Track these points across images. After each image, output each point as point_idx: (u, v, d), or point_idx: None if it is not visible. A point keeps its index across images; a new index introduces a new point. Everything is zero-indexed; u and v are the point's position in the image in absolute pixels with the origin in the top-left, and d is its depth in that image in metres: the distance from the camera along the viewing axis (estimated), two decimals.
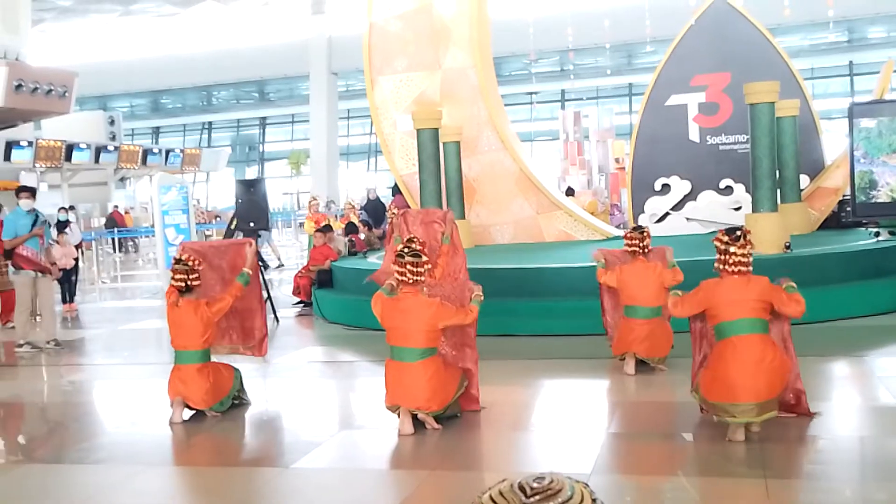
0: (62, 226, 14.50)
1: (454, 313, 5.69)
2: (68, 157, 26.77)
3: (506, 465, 5.17)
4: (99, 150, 28.19)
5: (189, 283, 6.30)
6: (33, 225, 9.48)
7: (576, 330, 8.52)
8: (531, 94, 35.47)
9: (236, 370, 6.64)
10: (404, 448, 5.55)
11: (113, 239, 23.46)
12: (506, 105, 15.06)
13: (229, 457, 5.61)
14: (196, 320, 6.22)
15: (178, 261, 6.31)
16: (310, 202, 17.00)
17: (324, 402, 7.20)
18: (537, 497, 1.31)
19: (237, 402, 6.54)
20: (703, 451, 5.26)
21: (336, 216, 25.95)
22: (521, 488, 1.32)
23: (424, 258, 5.70)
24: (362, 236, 14.25)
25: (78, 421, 6.87)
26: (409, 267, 5.62)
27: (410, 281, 5.64)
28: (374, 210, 17.30)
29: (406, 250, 5.66)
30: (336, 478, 5.10)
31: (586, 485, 1.36)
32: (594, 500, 1.33)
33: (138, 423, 6.56)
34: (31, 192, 9.82)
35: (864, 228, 11.74)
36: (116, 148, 29.38)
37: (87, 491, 5.03)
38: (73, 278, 13.52)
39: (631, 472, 4.97)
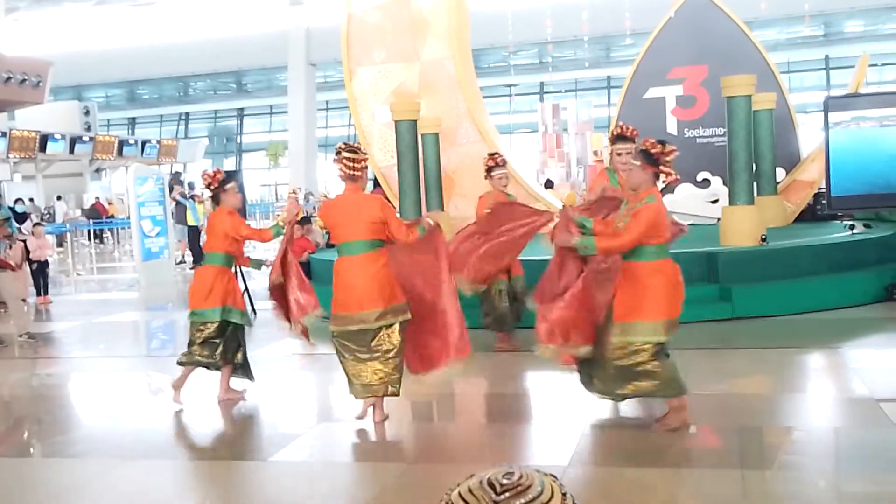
0: (21, 218, 14.37)
1: (398, 221, 5.65)
2: (42, 148, 26.48)
3: (484, 457, 5.18)
4: (74, 141, 27.90)
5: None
6: None
7: None
8: (510, 86, 35.48)
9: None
10: (383, 441, 5.54)
11: (89, 230, 23.23)
12: (484, 97, 15.03)
13: (207, 450, 5.58)
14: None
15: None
16: (289, 194, 16.93)
17: (302, 395, 7.18)
18: (507, 494, 1.29)
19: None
20: (679, 442, 5.28)
21: (314, 208, 25.86)
22: (491, 484, 1.31)
23: (363, 154, 5.63)
24: None
25: (52, 414, 6.81)
26: (345, 162, 5.56)
27: (349, 175, 5.58)
28: None
29: (343, 146, 5.65)
30: (314, 471, 5.09)
31: (555, 478, 1.35)
32: (564, 494, 1.32)
33: (114, 417, 6.50)
34: None
35: (839, 221, 11.85)
36: (92, 139, 29.08)
37: (62, 485, 4.99)
38: (47, 270, 13.38)
39: (607, 463, 4.99)
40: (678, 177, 5.42)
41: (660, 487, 4.53)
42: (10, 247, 9.82)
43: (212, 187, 6.48)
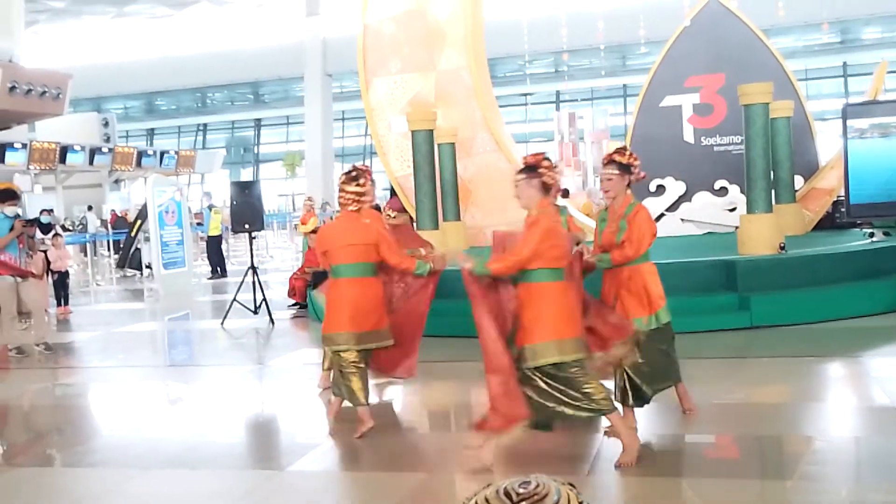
0: (46, 229, 14.43)
1: (395, 249, 5.83)
2: (62, 159, 26.73)
3: (503, 466, 5.17)
4: (93, 152, 28.15)
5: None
6: (12, 228, 9.34)
7: None
8: (526, 95, 35.49)
9: None
10: (400, 450, 5.54)
11: (108, 241, 23.40)
12: (500, 106, 15.06)
13: (225, 459, 5.60)
14: None
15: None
16: (305, 202, 17.00)
17: (319, 405, 7.19)
18: (524, 503, 1.29)
19: None
20: (698, 451, 5.26)
21: (331, 217, 25.92)
22: (507, 494, 1.31)
23: (364, 183, 5.77)
24: None
25: (72, 424, 6.85)
26: (350, 194, 5.74)
27: (353, 207, 5.76)
28: None
29: (353, 173, 5.78)
30: (331, 480, 5.09)
31: (572, 486, 1.34)
32: (581, 503, 1.32)
33: (133, 426, 6.54)
34: (16, 198, 9.70)
35: (858, 229, 11.77)
36: (111, 150, 29.33)
37: (82, 494, 5.02)
38: (67, 281, 13.47)
39: (627, 472, 4.96)
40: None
41: (679, 496, 4.51)
42: (31, 256, 9.80)
43: None
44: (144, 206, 18.22)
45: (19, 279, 9.45)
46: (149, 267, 18.06)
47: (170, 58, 37.81)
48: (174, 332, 12.04)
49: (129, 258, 19.44)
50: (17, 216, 9.47)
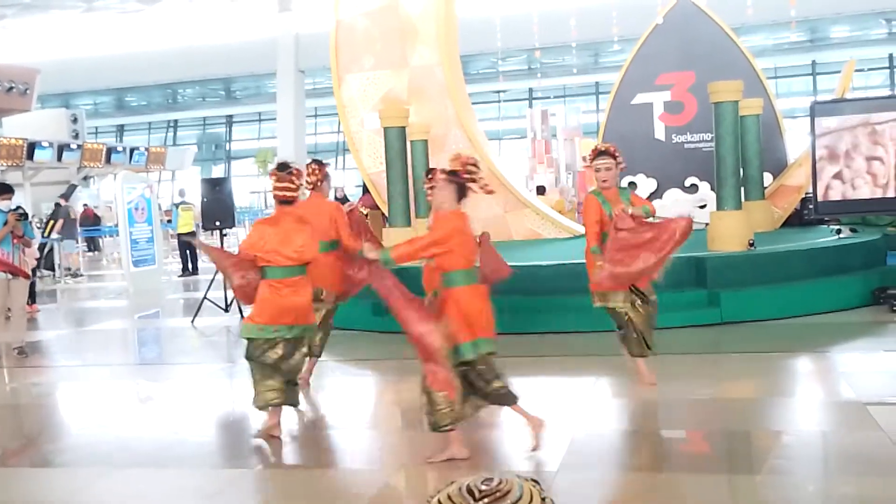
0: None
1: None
2: (30, 156, 26.31)
3: (474, 463, 5.18)
4: (62, 149, 27.73)
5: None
6: (5, 222, 9.14)
7: (560, 327, 8.57)
8: (499, 92, 35.51)
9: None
10: (373, 447, 5.54)
11: (84, 238, 23.15)
12: (473, 103, 15.07)
13: (195, 458, 5.56)
14: None
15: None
16: None
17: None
18: (486, 500, 1.29)
19: None
20: (668, 447, 5.30)
21: None
22: (470, 491, 1.31)
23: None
24: None
25: (40, 423, 6.78)
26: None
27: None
28: None
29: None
30: (302, 478, 5.08)
31: (535, 482, 1.35)
32: (543, 499, 1.32)
33: (103, 425, 6.48)
34: (11, 192, 9.53)
35: (825, 226, 11.91)
36: (80, 146, 28.92)
37: (53, 494, 4.97)
38: (34, 279, 13.29)
39: (596, 469, 4.99)
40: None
41: (648, 492, 4.54)
42: (24, 252, 9.55)
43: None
44: (58, 207, 18.16)
45: (10, 276, 9.25)
46: (69, 270, 18.02)
47: (140, 53, 37.40)
48: (144, 330, 11.93)
49: (42, 259, 19.23)
50: (10, 210, 9.29)
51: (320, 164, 7.09)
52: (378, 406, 7.05)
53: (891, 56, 33.83)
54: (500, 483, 1.31)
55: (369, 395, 7.25)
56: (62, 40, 38.49)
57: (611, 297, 6.27)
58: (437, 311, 4.87)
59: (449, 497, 1.31)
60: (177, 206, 18.14)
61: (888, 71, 34.29)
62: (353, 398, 6.94)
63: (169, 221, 20.70)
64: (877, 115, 10.08)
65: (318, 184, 6.94)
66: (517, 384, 7.13)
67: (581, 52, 30.44)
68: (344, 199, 18.23)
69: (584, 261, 6.50)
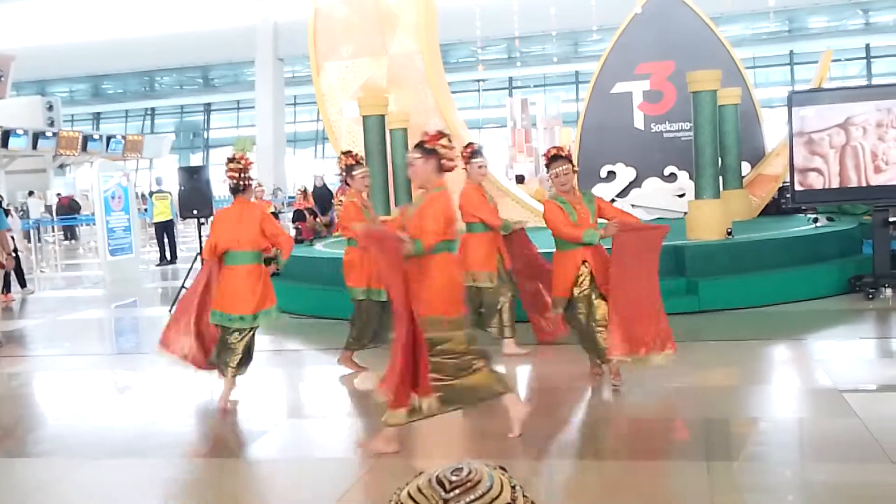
0: None
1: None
2: (4, 144, 26.08)
3: (453, 453, 5.19)
4: (37, 137, 27.49)
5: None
6: None
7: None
8: (478, 81, 35.45)
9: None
10: (351, 437, 5.52)
11: (60, 227, 22.92)
12: (453, 92, 15.03)
13: (174, 447, 5.53)
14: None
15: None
16: (256, 189, 16.80)
17: (270, 392, 7.14)
18: (457, 490, 1.28)
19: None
20: (645, 435, 5.33)
21: (283, 203, 25.70)
22: (440, 482, 1.29)
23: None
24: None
25: (16, 413, 6.71)
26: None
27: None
28: (321, 197, 17.12)
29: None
30: (283, 467, 5.07)
31: (504, 469, 1.34)
32: (513, 487, 1.31)
33: (80, 415, 6.43)
34: None
35: (802, 215, 11.99)
36: (55, 134, 28.68)
37: (28, 484, 4.92)
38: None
39: (574, 457, 5.01)
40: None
41: (626, 480, 4.56)
42: (2, 244, 9.41)
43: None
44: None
45: None
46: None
47: (117, 40, 37.00)
48: (121, 319, 11.84)
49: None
50: None
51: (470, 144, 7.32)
52: (356, 395, 7.04)
53: (867, 46, 34.09)
54: (469, 472, 1.29)
55: (347, 384, 7.23)
56: (37, 26, 37.98)
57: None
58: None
59: (419, 489, 1.30)
60: (151, 194, 18.00)
61: (864, 61, 34.55)
62: (331, 387, 6.92)
63: (146, 210, 20.55)
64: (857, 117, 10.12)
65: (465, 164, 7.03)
66: (512, 371, 7.16)
67: (561, 42, 30.45)
68: (324, 188, 18.14)
69: None
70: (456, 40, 28.53)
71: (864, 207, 11.29)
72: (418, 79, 12.82)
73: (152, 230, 19.42)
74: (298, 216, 14.78)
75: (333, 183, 21.70)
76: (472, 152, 7.14)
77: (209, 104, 44.15)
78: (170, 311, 10.81)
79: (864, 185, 9.23)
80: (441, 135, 4.96)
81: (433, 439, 5.59)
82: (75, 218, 25.25)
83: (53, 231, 22.27)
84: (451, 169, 5.01)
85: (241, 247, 6.07)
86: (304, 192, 15.40)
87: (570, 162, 6.11)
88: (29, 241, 21.03)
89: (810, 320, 8.29)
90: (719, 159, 10.74)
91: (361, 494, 4.58)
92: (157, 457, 5.28)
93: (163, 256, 17.61)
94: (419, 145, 4.96)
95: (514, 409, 5.07)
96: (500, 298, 7.06)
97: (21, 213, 25.67)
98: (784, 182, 12.56)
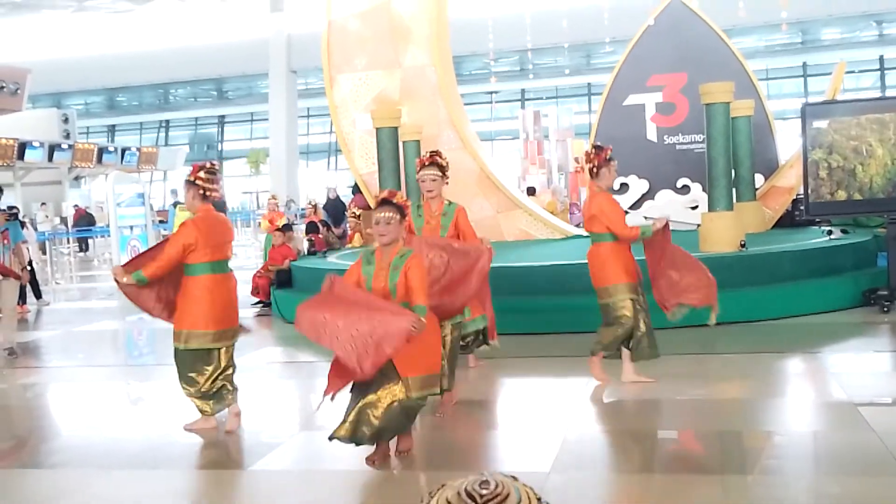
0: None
1: None
2: (21, 156, 26.25)
3: (467, 465, 5.18)
4: (52, 149, 27.67)
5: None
6: None
7: (552, 328, 8.56)
8: (491, 93, 35.53)
9: None
10: (364, 449, 5.52)
11: (68, 238, 23.06)
12: (466, 104, 15.07)
13: (187, 459, 5.54)
14: None
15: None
16: (268, 200, 16.90)
17: (283, 403, 7.16)
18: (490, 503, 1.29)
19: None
20: (659, 448, 5.31)
21: (296, 215, 25.78)
22: (470, 495, 1.30)
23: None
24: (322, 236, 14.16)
25: (30, 424, 6.75)
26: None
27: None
28: (334, 209, 17.22)
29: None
30: (296, 479, 5.06)
31: (530, 487, 1.35)
32: (539, 500, 1.32)
33: (93, 426, 6.45)
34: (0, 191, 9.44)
35: (816, 227, 11.94)
36: (71, 146, 28.86)
37: (41, 495, 4.94)
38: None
39: (588, 469, 4.99)
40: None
41: (641, 493, 4.54)
42: (14, 253, 9.45)
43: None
44: None
45: (1, 277, 9.17)
46: None
47: (131, 53, 37.31)
48: (135, 331, 11.89)
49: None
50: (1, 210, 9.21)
51: (599, 148, 6.78)
52: None
53: (881, 58, 33.99)
54: (497, 486, 1.30)
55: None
56: (53, 40, 38.38)
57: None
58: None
59: (448, 501, 1.31)
60: (174, 205, 18.12)
61: (878, 73, 34.44)
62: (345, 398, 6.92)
63: (162, 221, 20.66)
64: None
65: (594, 171, 6.66)
66: (510, 384, 7.16)
67: (573, 53, 30.52)
68: (337, 200, 18.21)
69: (575, 261, 6.45)
70: (469, 52, 28.61)
71: (879, 220, 11.24)
72: (431, 91, 12.87)
73: None
74: (311, 228, 14.84)
75: (346, 195, 21.80)
76: (609, 156, 6.68)
77: (223, 116, 44.41)
78: None
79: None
80: (205, 166, 5.63)
81: (451, 455, 5.59)
82: (90, 229, 25.41)
83: (68, 243, 22.37)
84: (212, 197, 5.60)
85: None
86: (315, 206, 15.47)
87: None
88: (44, 253, 21.18)
89: (825, 333, 8.24)
90: (732, 171, 10.71)
91: None
92: (169, 468, 5.29)
93: None
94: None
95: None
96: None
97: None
98: (798, 194, 12.51)
